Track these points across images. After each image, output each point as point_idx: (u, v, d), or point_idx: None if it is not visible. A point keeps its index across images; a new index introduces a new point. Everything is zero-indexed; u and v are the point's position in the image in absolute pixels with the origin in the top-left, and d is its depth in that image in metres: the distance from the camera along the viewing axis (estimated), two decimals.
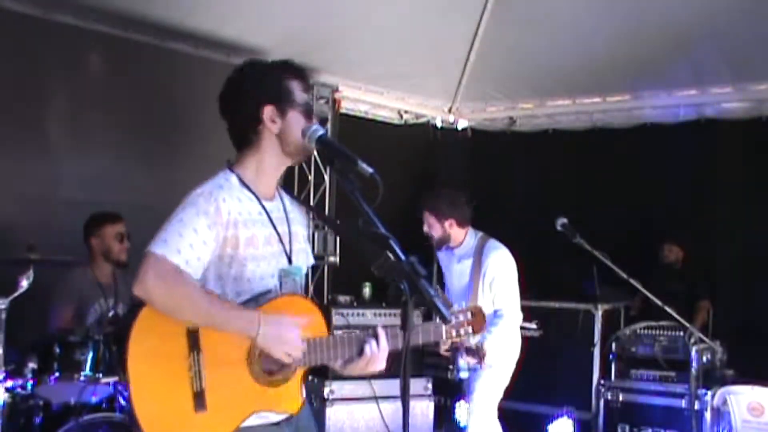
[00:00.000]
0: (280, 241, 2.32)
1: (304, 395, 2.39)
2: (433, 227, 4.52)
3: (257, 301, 2.24)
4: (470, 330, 2.48)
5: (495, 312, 4.41)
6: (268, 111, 2.29)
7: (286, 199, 2.45)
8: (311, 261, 2.54)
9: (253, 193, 2.31)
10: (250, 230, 2.25)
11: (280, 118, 2.29)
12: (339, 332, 2.32)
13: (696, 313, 5.96)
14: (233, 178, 2.31)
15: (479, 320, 2.50)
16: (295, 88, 2.32)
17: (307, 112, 2.32)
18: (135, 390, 2.10)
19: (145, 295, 2.10)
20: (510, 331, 4.43)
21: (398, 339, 2.33)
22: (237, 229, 2.23)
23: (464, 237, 4.56)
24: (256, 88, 2.31)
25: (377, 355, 2.29)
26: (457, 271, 4.60)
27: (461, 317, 2.47)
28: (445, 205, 4.52)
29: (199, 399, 2.13)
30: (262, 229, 2.29)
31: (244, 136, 2.34)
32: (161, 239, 2.14)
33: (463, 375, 4.31)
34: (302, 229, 2.46)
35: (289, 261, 2.35)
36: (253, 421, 2.21)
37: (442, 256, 4.71)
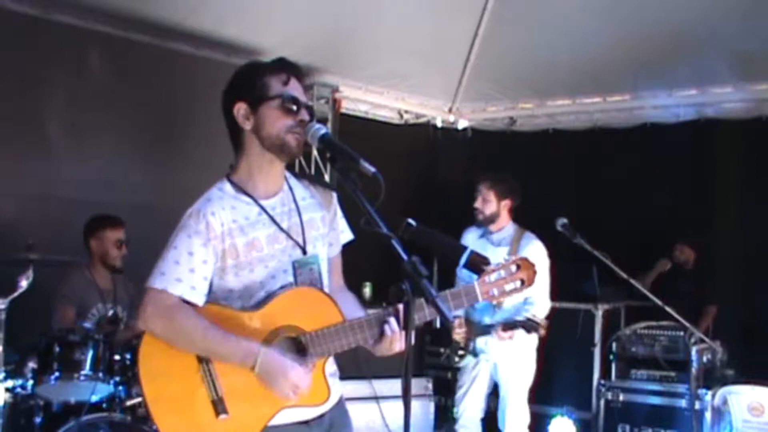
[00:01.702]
0: (288, 236, 2.29)
1: (336, 388, 2.35)
2: (489, 203, 4.60)
3: (270, 300, 2.22)
4: (518, 284, 2.34)
5: (525, 300, 4.50)
6: (239, 108, 2.27)
7: (300, 186, 2.41)
8: (347, 237, 2.48)
9: (250, 196, 2.28)
10: (249, 235, 2.23)
11: (253, 114, 2.27)
12: (365, 313, 2.28)
13: (702, 317, 5.94)
14: (227, 186, 2.29)
15: (528, 271, 2.34)
16: (272, 82, 2.27)
17: (287, 106, 2.24)
18: (154, 409, 2.14)
19: (146, 329, 2.18)
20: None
21: (424, 310, 2.21)
22: (233, 237, 2.21)
23: (507, 223, 4.66)
24: (231, 87, 2.32)
25: (398, 333, 2.21)
26: (490, 256, 4.48)
27: (503, 272, 2.33)
28: (509, 185, 4.66)
29: (219, 405, 2.14)
30: (264, 229, 2.26)
31: (232, 139, 2.34)
32: (159, 272, 2.17)
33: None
34: (321, 212, 2.39)
35: (304, 252, 2.31)
36: (280, 419, 2.20)
37: (470, 241, 4.67)
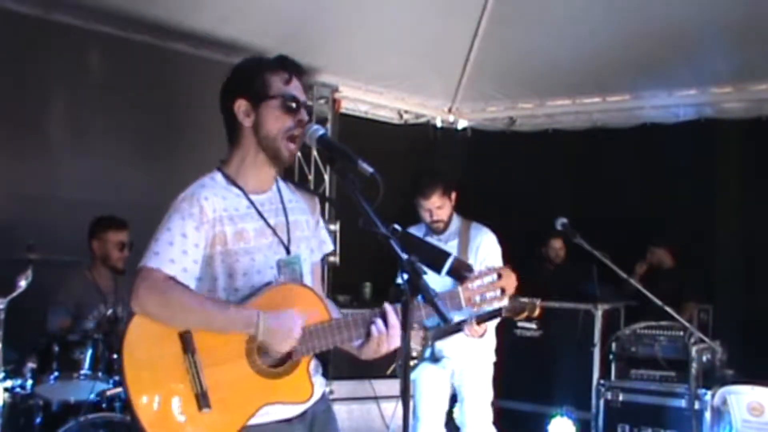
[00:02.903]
0: (274, 233, 2.30)
1: (319, 384, 2.37)
2: (444, 207, 4.28)
3: (256, 294, 2.22)
4: (499, 293, 2.33)
5: None
6: (240, 104, 2.28)
7: (287, 189, 2.42)
8: (328, 248, 2.52)
9: (240, 189, 2.29)
10: (237, 225, 2.24)
11: (253, 111, 2.28)
12: (341, 316, 2.29)
13: (680, 314, 5.94)
14: (218, 176, 2.31)
15: (509, 280, 2.34)
16: (274, 81, 2.28)
17: (287, 105, 2.26)
18: (135, 398, 2.10)
19: (141, 309, 2.12)
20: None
21: (421, 310, 2.23)
22: (223, 225, 2.22)
23: (452, 217, 4.37)
24: (233, 83, 2.32)
25: (385, 334, 2.22)
26: None
27: (486, 279, 2.34)
28: (449, 180, 4.35)
29: (202, 399, 2.12)
30: (252, 222, 2.27)
31: (229, 133, 2.34)
32: (152, 252, 2.16)
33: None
34: (305, 216, 2.42)
35: (287, 251, 2.32)
36: (262, 418, 2.19)
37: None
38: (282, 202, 2.36)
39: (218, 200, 2.23)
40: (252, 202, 2.29)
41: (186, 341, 2.13)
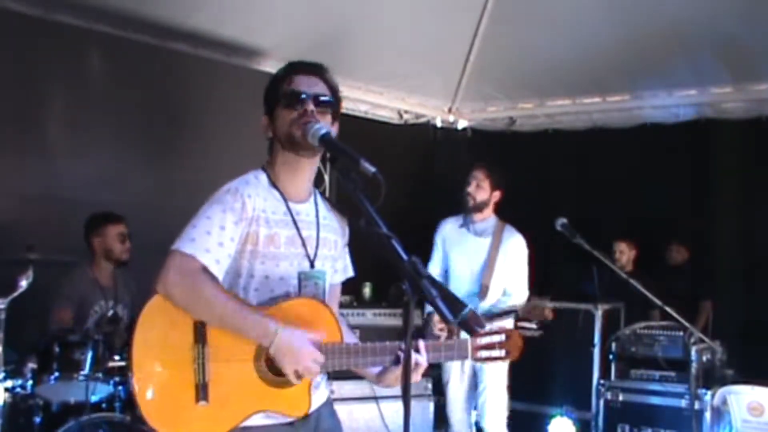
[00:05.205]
0: (303, 244, 2.33)
1: (322, 388, 2.40)
2: (483, 189, 4.68)
3: (276, 302, 2.24)
4: (503, 353, 2.44)
5: (504, 291, 4.65)
6: (263, 122, 2.39)
7: (323, 206, 2.46)
8: (350, 273, 2.57)
9: (281, 194, 2.33)
10: (272, 228, 2.27)
11: (271, 122, 2.37)
12: (357, 340, 2.33)
13: (698, 314, 5.96)
14: (263, 177, 2.35)
15: (515, 344, 2.45)
16: (279, 88, 2.36)
17: (288, 101, 2.32)
18: (137, 375, 2.12)
19: (165, 292, 2.13)
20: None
21: (440, 352, 2.37)
22: (259, 225, 2.25)
23: (491, 215, 4.76)
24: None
25: (423, 366, 2.28)
26: (471, 246, 4.72)
27: (495, 338, 2.43)
28: (503, 177, 4.76)
29: (201, 391, 2.13)
30: (285, 229, 2.30)
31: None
32: (189, 238, 2.16)
33: None
34: (335, 236, 2.45)
35: (312, 265, 2.34)
36: (262, 420, 2.20)
37: (449, 231, 4.81)
38: (317, 216, 2.40)
39: (260, 200, 2.27)
40: (290, 210, 2.33)
41: (199, 331, 2.15)
